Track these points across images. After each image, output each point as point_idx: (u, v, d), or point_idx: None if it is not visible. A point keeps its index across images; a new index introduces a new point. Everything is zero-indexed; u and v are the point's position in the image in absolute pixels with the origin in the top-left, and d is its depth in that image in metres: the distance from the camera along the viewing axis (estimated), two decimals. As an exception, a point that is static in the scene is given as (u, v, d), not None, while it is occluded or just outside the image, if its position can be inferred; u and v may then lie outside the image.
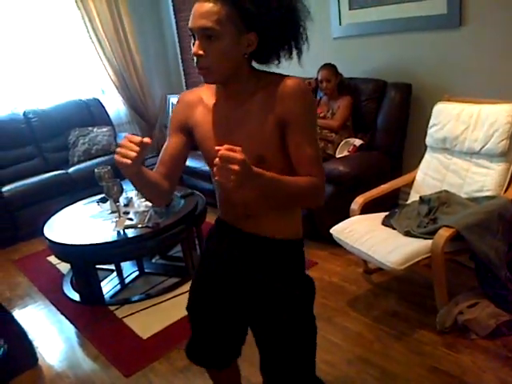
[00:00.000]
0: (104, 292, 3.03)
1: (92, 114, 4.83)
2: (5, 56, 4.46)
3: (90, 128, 4.67)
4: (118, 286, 3.15)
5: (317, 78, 3.49)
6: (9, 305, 3.11)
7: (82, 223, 3.08)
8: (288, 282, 1.36)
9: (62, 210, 3.30)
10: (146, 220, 2.93)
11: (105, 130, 4.70)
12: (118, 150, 1.14)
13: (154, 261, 3.43)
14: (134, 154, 1.12)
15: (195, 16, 1.17)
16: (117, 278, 3.25)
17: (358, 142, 3.32)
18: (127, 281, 3.20)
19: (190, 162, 4.17)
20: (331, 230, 2.61)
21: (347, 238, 2.51)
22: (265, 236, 1.35)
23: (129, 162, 1.12)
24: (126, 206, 3.21)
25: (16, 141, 4.42)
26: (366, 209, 2.74)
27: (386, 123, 3.32)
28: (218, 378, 1.73)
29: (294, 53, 1.30)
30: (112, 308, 2.88)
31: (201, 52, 1.19)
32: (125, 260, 3.15)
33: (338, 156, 3.31)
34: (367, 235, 2.46)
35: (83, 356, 2.52)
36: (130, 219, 2.98)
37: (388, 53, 3.43)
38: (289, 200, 1.27)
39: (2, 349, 2.41)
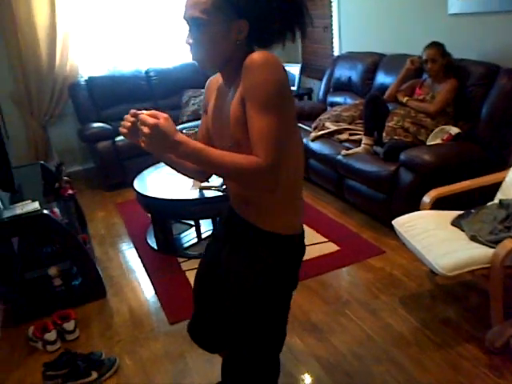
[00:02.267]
0: (181, 244, 3.27)
1: (206, 76, 5.05)
2: (134, 17, 4.86)
3: (202, 90, 4.91)
4: (194, 241, 3.38)
5: (421, 57, 3.22)
6: (101, 241, 3.54)
7: (168, 179, 3.32)
8: (254, 271, 1.34)
9: (155, 165, 3.59)
10: (219, 184, 3.06)
11: (215, 92, 4.90)
12: (122, 122, 1.28)
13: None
14: (128, 124, 1.25)
15: (186, 6, 1.21)
16: (194, 233, 3.47)
17: (454, 130, 3.02)
18: (195, 240, 3.40)
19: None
20: (393, 221, 2.47)
21: (406, 232, 2.36)
22: (253, 224, 1.35)
23: (124, 130, 1.27)
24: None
25: (137, 96, 4.85)
26: (442, 204, 2.53)
27: (492, 113, 2.96)
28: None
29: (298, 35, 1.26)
30: (180, 260, 3.11)
31: (190, 41, 1.22)
32: (196, 218, 3.32)
33: (428, 143, 3.06)
34: (427, 233, 2.29)
35: (144, 298, 2.78)
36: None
37: (508, 35, 3.02)
38: (223, 174, 1.26)
39: (80, 279, 2.79)
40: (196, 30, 1.20)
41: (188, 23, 1.22)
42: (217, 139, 1.37)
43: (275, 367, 1.45)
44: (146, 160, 4.17)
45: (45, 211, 2.59)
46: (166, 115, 1.13)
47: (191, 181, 3.17)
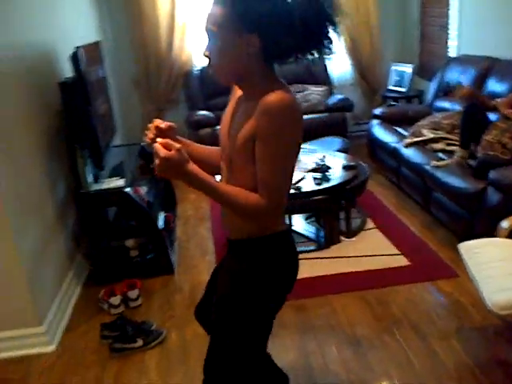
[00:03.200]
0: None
1: (313, 72, 5.05)
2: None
3: (307, 85, 4.92)
4: None
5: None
6: (186, 221, 3.78)
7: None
8: (239, 268, 1.41)
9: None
10: (294, 182, 3.07)
11: (320, 89, 4.88)
12: (146, 132, 1.38)
13: (308, 221, 3.56)
14: (151, 136, 1.34)
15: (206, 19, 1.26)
16: None
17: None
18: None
19: (380, 136, 4.06)
20: (460, 245, 2.28)
21: (471, 258, 2.16)
22: (236, 239, 1.43)
23: (148, 140, 1.35)
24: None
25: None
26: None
27: None
28: None
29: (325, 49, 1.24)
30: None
31: (206, 53, 1.27)
32: None
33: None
34: (493, 263, 2.06)
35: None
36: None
37: None
38: (223, 204, 1.30)
39: (152, 254, 3.03)
40: (210, 41, 1.25)
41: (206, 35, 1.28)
42: (222, 137, 1.41)
43: (256, 364, 1.48)
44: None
45: (126, 189, 2.86)
46: (178, 146, 1.17)
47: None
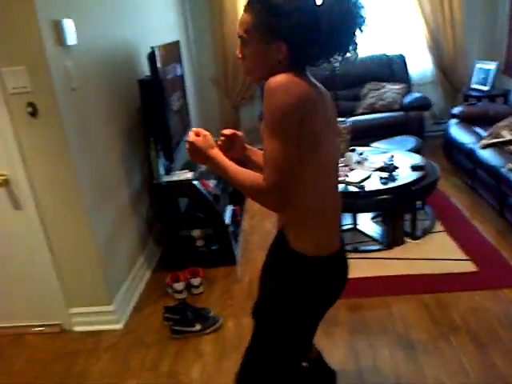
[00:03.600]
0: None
1: (392, 69, 4.93)
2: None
3: (384, 83, 4.81)
4: None
5: None
6: (253, 215, 3.88)
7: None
8: (276, 279, 1.42)
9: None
10: (358, 180, 3.06)
11: (397, 87, 4.75)
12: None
13: (374, 221, 3.51)
14: (219, 143, 1.48)
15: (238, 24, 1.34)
16: None
17: None
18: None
19: (457, 136, 3.90)
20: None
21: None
22: (287, 241, 1.41)
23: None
24: (358, 163, 3.38)
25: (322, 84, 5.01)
26: None
27: None
28: None
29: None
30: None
31: (239, 55, 1.34)
32: None
33: None
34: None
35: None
36: (346, 176, 3.16)
37: None
38: (233, 185, 1.33)
39: (217, 245, 3.16)
40: (242, 46, 1.32)
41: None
42: None
43: (289, 377, 1.49)
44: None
45: (194, 182, 3.02)
46: (206, 133, 1.39)
47: (333, 173, 3.25)
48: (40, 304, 2.61)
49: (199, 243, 3.19)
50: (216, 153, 1.36)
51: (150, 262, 3.20)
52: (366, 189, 3.01)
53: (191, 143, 1.36)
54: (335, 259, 1.41)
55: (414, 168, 3.20)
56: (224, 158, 1.35)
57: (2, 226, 2.48)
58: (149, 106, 2.99)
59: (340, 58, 1.27)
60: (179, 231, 3.35)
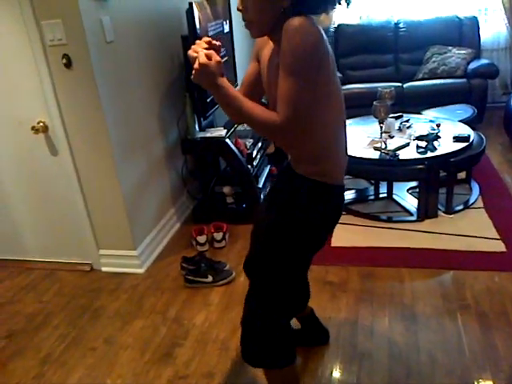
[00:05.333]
0: (346, 198, 3.35)
1: (461, 33, 4.58)
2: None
3: (450, 47, 4.49)
4: (354, 196, 3.43)
5: None
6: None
7: (357, 134, 3.36)
8: (279, 203, 1.48)
9: (356, 118, 3.62)
10: (390, 148, 2.94)
11: (463, 52, 4.41)
12: (193, 46, 1.40)
13: (410, 192, 3.37)
14: (198, 48, 1.33)
15: None
16: (359, 190, 3.49)
17: None
18: (372, 197, 3.38)
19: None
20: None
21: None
22: (293, 168, 1.48)
23: (194, 54, 1.33)
24: (399, 130, 3.24)
25: (380, 47, 4.80)
26: None
27: None
28: None
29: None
30: (340, 213, 3.19)
31: (240, 7, 1.33)
32: (357, 176, 3.27)
33: None
34: None
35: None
36: (384, 143, 3.05)
37: None
38: (242, 118, 1.32)
39: (245, 204, 3.22)
40: None
41: None
42: (266, 88, 1.47)
43: (284, 305, 1.53)
44: (363, 112, 4.27)
45: (226, 140, 3.07)
46: (218, 58, 1.27)
47: (368, 140, 3.15)
48: (73, 243, 2.85)
49: (229, 200, 3.28)
50: (226, 82, 1.29)
51: (180, 215, 3.34)
52: (401, 157, 2.90)
53: (203, 65, 1.24)
54: (339, 190, 1.48)
55: (457, 139, 3.02)
56: (234, 89, 1.30)
57: (41, 169, 2.70)
58: (189, 61, 3.04)
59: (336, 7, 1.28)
60: (215, 187, 3.46)
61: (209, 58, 1.26)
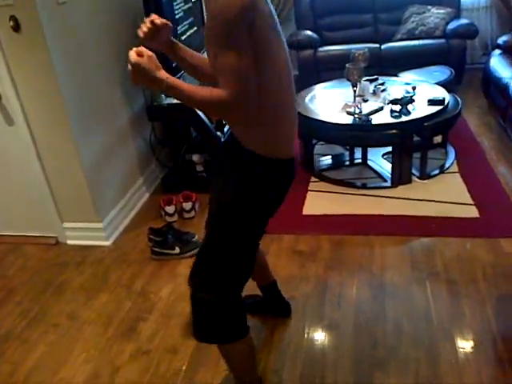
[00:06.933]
0: (321, 164, 3.28)
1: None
2: None
3: (429, 7, 4.34)
4: (330, 163, 3.36)
5: None
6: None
7: (331, 98, 3.26)
8: (229, 178, 1.42)
9: (331, 81, 3.51)
10: (363, 112, 2.86)
11: (442, 11, 4.28)
12: (141, 25, 1.40)
13: (385, 157, 3.30)
14: (144, 29, 1.38)
15: None
16: (335, 156, 3.42)
17: None
18: (347, 163, 3.31)
19: (496, 69, 3.53)
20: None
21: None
22: (240, 142, 1.40)
23: (140, 34, 1.39)
24: (374, 94, 3.15)
25: (357, 7, 4.62)
26: None
27: None
28: None
29: None
30: (313, 179, 3.13)
31: None
32: (329, 142, 3.20)
33: None
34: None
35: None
36: (357, 107, 2.95)
37: None
38: (191, 104, 1.31)
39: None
40: None
41: None
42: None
43: (236, 278, 1.47)
44: (341, 74, 4.14)
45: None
46: (150, 53, 1.26)
47: (341, 104, 3.05)
48: (37, 216, 2.75)
49: (199, 168, 3.18)
50: (165, 74, 1.26)
51: (150, 185, 3.24)
52: (374, 122, 2.82)
53: (135, 64, 1.24)
54: (289, 163, 1.43)
55: (432, 102, 2.93)
56: (174, 78, 1.27)
57: (-3, 140, 2.57)
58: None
59: None
60: (185, 155, 3.35)
61: (139, 55, 1.25)
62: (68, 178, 2.57)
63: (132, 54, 1.25)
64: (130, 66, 1.25)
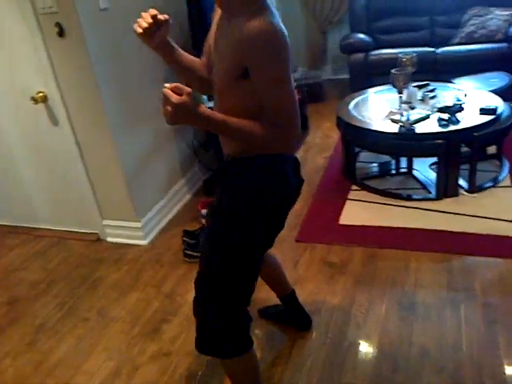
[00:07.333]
0: (364, 172, 3.18)
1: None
2: None
3: (492, 9, 4.09)
4: (375, 171, 3.26)
5: None
6: (309, 148, 3.73)
7: (377, 104, 3.15)
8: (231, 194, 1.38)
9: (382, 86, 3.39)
10: (409, 121, 2.73)
11: (505, 13, 4.01)
12: (137, 20, 1.32)
13: (431, 167, 3.14)
14: (144, 25, 1.28)
15: None
16: (381, 164, 3.30)
17: None
18: (393, 172, 3.19)
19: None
20: None
21: None
22: (228, 153, 1.40)
23: (139, 30, 1.29)
24: (422, 101, 3.01)
25: (414, 9, 4.45)
26: None
27: None
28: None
29: None
30: (354, 187, 3.04)
31: None
32: (372, 150, 3.07)
33: None
34: None
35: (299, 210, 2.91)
36: (401, 114, 2.84)
37: None
38: (239, 139, 1.28)
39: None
40: None
41: None
42: (213, 69, 1.35)
43: (242, 294, 1.42)
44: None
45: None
46: (189, 90, 1.11)
47: (387, 111, 2.94)
48: (80, 212, 2.86)
49: (239, 172, 3.17)
50: (207, 109, 1.16)
51: (191, 186, 3.28)
52: (417, 131, 2.69)
53: (179, 105, 1.09)
54: (292, 159, 1.41)
55: (484, 111, 2.76)
56: (214, 112, 1.19)
57: (45, 139, 2.69)
58: (194, 23, 2.93)
59: None
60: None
61: (178, 93, 1.10)
62: (108, 178, 2.65)
63: (170, 94, 1.09)
64: (168, 107, 1.10)
